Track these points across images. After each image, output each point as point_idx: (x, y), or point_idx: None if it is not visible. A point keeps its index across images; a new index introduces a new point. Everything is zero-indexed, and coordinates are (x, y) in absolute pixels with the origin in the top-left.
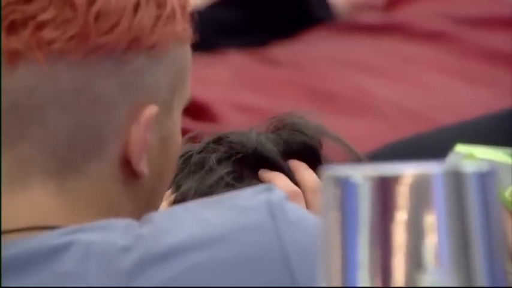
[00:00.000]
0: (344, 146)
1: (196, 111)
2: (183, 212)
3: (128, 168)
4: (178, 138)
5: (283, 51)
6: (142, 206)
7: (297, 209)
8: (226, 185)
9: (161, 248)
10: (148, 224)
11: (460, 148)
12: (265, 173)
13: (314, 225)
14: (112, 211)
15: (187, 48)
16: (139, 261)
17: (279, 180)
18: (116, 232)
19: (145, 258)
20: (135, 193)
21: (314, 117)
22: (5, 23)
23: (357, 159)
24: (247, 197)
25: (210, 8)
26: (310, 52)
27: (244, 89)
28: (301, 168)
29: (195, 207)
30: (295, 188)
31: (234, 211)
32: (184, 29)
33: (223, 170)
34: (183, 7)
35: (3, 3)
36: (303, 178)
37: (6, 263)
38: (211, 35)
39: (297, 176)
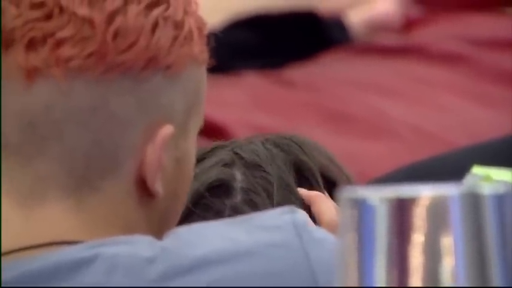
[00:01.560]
0: (336, 166)
1: (212, 132)
2: (205, 229)
3: (143, 187)
4: (193, 160)
5: (300, 73)
6: (157, 225)
7: (319, 230)
8: (223, 165)
9: (187, 259)
10: (171, 237)
11: (477, 170)
12: (306, 192)
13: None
14: (128, 229)
15: (204, 71)
16: (165, 273)
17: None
18: (140, 245)
19: (171, 270)
20: (150, 213)
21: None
22: (24, 41)
23: (347, 181)
24: (272, 217)
25: (226, 30)
26: (326, 74)
27: (260, 110)
28: (319, 201)
29: (217, 225)
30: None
31: (260, 229)
32: (201, 51)
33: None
34: (200, 29)
35: (22, 21)
36: (319, 211)
37: (27, 278)
38: (228, 56)
39: (313, 207)
